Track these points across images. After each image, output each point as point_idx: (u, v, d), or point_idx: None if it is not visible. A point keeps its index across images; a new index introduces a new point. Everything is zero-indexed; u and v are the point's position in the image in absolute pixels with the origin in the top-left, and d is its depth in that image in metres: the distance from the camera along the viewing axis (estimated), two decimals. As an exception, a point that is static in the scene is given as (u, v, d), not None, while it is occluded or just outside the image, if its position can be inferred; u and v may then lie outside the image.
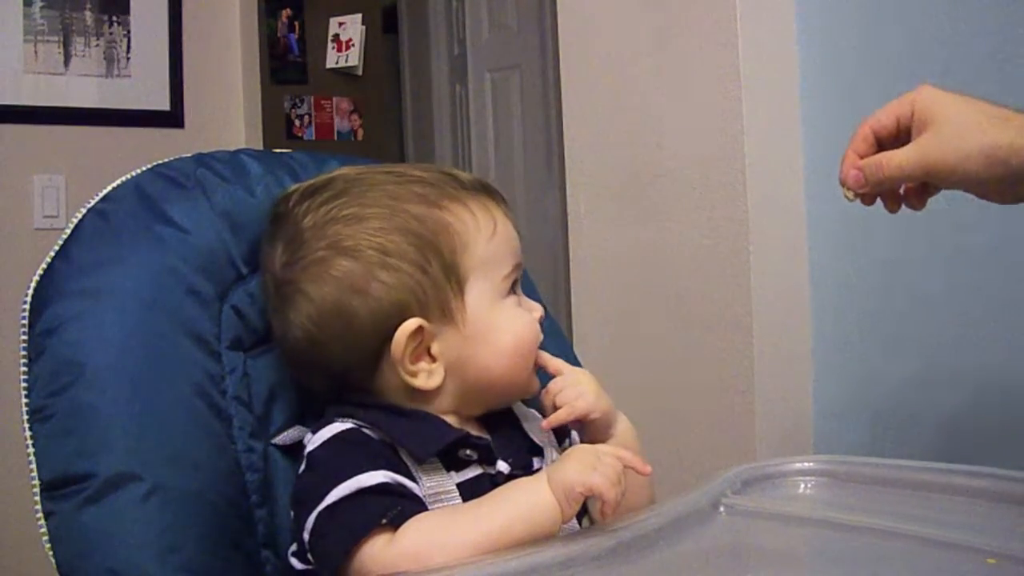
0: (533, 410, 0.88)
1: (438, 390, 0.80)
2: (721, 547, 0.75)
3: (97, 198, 0.84)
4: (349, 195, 0.80)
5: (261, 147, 2.65)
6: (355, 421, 0.76)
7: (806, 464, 0.87)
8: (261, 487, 0.81)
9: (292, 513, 0.76)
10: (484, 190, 0.84)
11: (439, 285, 0.78)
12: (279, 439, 0.83)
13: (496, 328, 0.80)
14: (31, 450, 0.75)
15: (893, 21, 1.37)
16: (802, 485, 0.86)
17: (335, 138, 2.94)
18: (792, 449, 1.40)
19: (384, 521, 0.69)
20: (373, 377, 0.80)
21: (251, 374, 0.84)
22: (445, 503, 0.75)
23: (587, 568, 0.66)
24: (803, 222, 1.45)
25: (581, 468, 0.70)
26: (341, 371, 0.80)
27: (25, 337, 0.79)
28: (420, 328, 0.78)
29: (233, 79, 2.74)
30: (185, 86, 2.59)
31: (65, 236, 0.82)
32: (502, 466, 0.79)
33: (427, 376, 0.79)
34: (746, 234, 1.40)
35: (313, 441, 0.76)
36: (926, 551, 0.70)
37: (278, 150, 0.97)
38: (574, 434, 0.89)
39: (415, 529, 0.69)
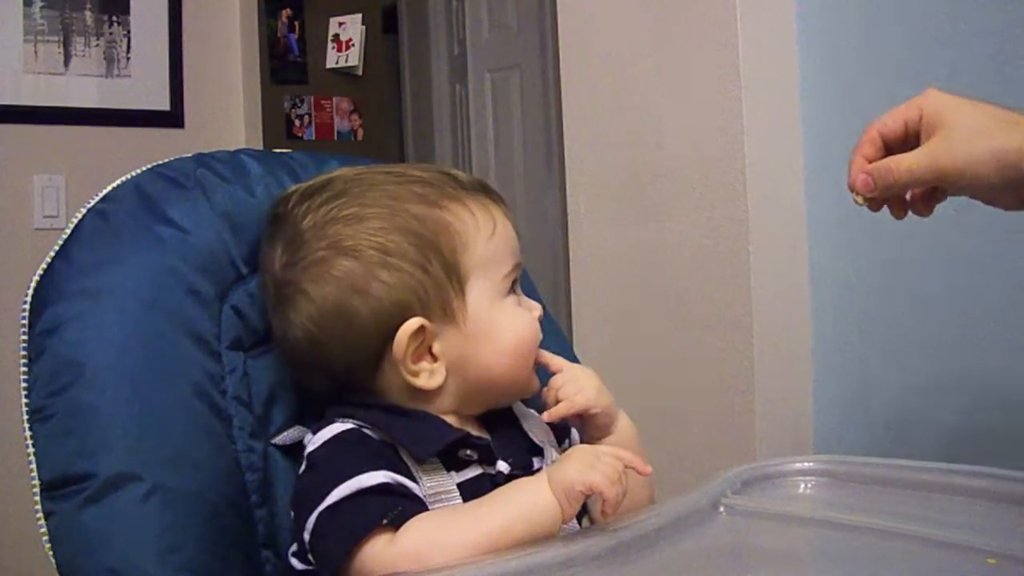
0: (532, 410, 0.88)
1: (439, 390, 0.80)
2: (721, 547, 0.75)
3: (97, 198, 0.84)
4: (349, 195, 0.80)
5: (261, 147, 2.65)
6: (355, 421, 0.76)
7: (806, 464, 0.87)
8: (261, 487, 0.81)
9: (292, 513, 0.76)
10: (483, 190, 0.84)
11: (440, 284, 0.78)
12: (279, 439, 0.83)
13: (497, 327, 0.80)
14: (31, 450, 0.75)
15: (893, 21, 1.37)
16: (802, 485, 0.86)
17: (335, 138, 2.94)
18: (792, 449, 1.40)
19: (385, 521, 0.69)
20: (374, 377, 0.80)
21: (251, 374, 0.84)
22: (445, 503, 0.75)
23: (587, 568, 0.66)
24: (803, 222, 1.45)
25: (581, 467, 0.70)
26: (342, 371, 0.80)
27: (25, 337, 0.78)
28: (422, 327, 0.78)
29: (233, 79, 2.74)
30: (185, 86, 2.59)
31: (65, 236, 0.82)
32: (502, 466, 0.79)
33: (429, 376, 0.79)
34: (746, 234, 1.40)
35: (313, 441, 0.76)
36: (926, 551, 0.70)
37: (278, 150, 0.97)
38: (574, 434, 0.89)
39: (415, 529, 0.69)
